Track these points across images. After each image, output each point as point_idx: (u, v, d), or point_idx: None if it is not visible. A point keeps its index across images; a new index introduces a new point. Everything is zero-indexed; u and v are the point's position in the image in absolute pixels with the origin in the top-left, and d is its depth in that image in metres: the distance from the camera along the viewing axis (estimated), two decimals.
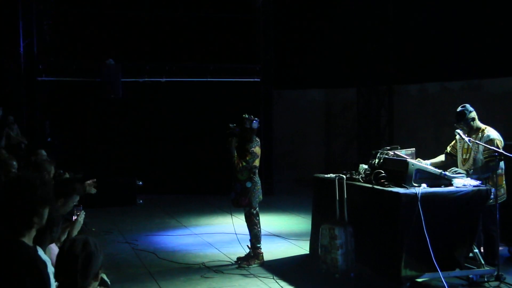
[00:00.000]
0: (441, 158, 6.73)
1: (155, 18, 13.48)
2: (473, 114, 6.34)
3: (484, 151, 6.19)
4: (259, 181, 7.20)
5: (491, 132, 6.29)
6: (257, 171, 7.14)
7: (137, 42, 13.41)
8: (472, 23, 12.10)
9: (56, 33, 12.90)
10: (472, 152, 6.31)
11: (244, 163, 6.93)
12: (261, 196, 7.22)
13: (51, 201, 3.00)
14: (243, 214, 7.28)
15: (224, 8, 13.62)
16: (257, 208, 7.14)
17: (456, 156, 6.58)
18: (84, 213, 4.17)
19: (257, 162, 7.07)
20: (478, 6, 11.89)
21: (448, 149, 6.73)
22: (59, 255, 2.66)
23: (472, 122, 6.33)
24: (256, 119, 7.12)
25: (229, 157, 6.98)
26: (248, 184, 7.02)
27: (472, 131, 6.35)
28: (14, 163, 6.54)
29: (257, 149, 7.06)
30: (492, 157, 6.07)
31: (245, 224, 7.25)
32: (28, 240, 2.88)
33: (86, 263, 2.57)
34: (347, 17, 14.64)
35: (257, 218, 7.12)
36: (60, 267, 2.61)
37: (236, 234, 7.40)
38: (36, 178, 2.92)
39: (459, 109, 6.39)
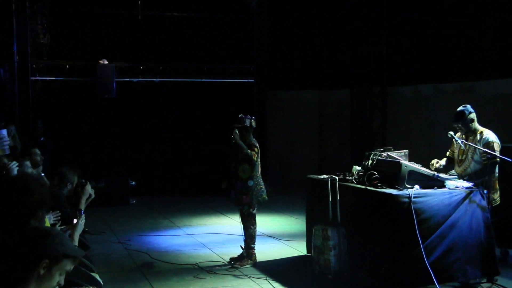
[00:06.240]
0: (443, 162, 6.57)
1: (149, 18, 13.45)
2: (473, 115, 6.26)
3: (482, 154, 6.14)
4: (262, 181, 7.15)
5: (489, 135, 6.21)
6: (259, 169, 7.07)
7: (131, 42, 13.38)
8: (465, 25, 12.15)
9: (49, 33, 12.85)
10: (469, 154, 6.29)
11: (256, 158, 6.90)
12: (265, 196, 7.15)
13: (48, 203, 2.99)
14: (238, 214, 7.24)
15: (218, 8, 13.61)
16: (256, 209, 7.13)
17: None
18: (84, 216, 4.21)
19: (259, 160, 7.04)
20: (471, 9, 11.95)
21: (448, 153, 6.68)
22: None
23: (470, 124, 6.24)
24: (254, 117, 7.13)
25: (239, 150, 6.86)
26: (250, 183, 6.98)
27: (470, 132, 6.29)
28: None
29: (257, 145, 7.06)
30: (489, 159, 6.01)
31: (238, 225, 7.23)
32: None
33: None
34: (341, 18, 14.66)
35: (254, 218, 7.11)
36: None
37: (233, 234, 7.37)
38: (34, 181, 2.91)
39: (459, 108, 6.31)
